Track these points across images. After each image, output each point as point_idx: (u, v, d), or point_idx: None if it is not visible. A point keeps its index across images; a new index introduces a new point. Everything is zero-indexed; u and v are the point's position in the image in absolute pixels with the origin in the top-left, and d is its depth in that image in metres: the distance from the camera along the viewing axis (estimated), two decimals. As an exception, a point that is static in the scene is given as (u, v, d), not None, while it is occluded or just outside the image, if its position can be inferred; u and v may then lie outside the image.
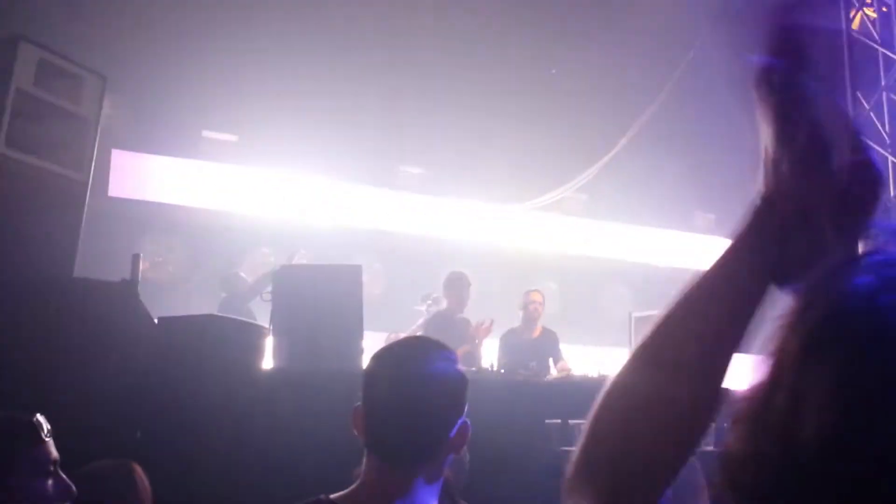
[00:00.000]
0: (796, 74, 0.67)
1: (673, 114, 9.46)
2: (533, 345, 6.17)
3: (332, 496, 1.36)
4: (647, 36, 9.15)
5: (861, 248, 0.66)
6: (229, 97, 8.16)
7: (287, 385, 3.92)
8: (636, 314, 6.37)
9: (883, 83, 8.37)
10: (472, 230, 10.20)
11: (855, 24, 8.60)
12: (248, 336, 4.14)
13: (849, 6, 8.58)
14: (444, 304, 6.28)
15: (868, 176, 0.67)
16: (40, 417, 1.64)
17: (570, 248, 10.75)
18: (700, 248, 11.48)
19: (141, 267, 4.03)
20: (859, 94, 8.40)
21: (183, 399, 3.56)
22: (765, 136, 0.69)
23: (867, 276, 0.54)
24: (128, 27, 7.61)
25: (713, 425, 0.70)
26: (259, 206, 8.90)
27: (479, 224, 10.25)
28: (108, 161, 7.58)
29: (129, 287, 3.85)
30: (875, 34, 8.46)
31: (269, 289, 4.63)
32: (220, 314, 5.34)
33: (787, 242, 0.68)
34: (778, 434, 0.53)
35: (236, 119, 8.60)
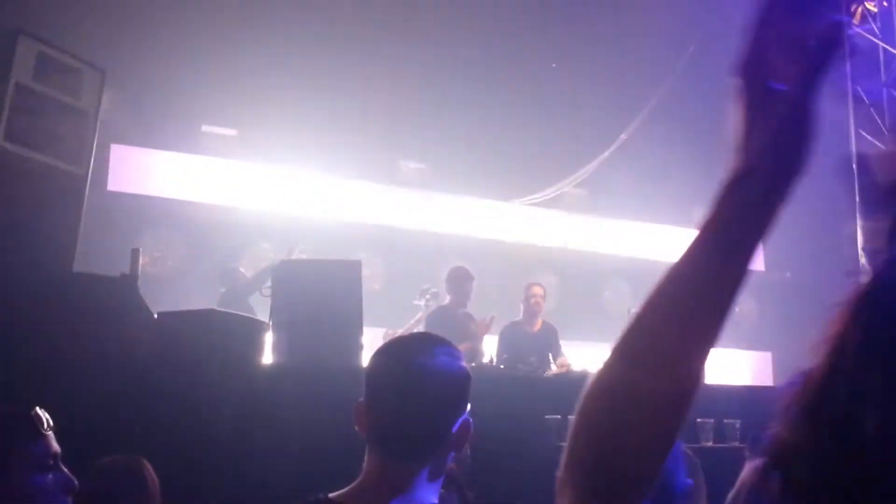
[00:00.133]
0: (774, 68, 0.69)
1: (673, 109, 9.45)
2: (533, 339, 6.17)
3: (331, 495, 1.36)
4: (647, 31, 9.13)
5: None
6: (229, 92, 8.14)
7: (286, 380, 3.92)
8: (635, 310, 6.36)
9: (883, 78, 8.35)
10: (472, 225, 10.20)
11: (856, 19, 8.58)
12: (248, 331, 4.14)
13: (850, 1, 8.56)
14: (447, 300, 6.28)
15: (829, 33, 0.68)
16: (39, 410, 1.63)
17: (569, 243, 10.75)
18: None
19: (140, 261, 4.03)
20: (859, 89, 8.38)
21: (182, 394, 3.56)
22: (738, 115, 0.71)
23: None
24: (127, 21, 7.60)
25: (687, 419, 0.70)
26: (259, 201, 8.89)
27: (478, 219, 10.25)
28: (108, 155, 7.57)
29: (128, 281, 3.85)
30: (876, 29, 8.44)
31: (269, 284, 4.62)
32: (219, 309, 5.34)
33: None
34: (838, 426, 0.52)
35: (236, 113, 8.59)
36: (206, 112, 8.66)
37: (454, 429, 1.38)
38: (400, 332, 5.93)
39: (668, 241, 11.21)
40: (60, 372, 3.31)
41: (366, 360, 2.89)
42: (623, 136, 9.39)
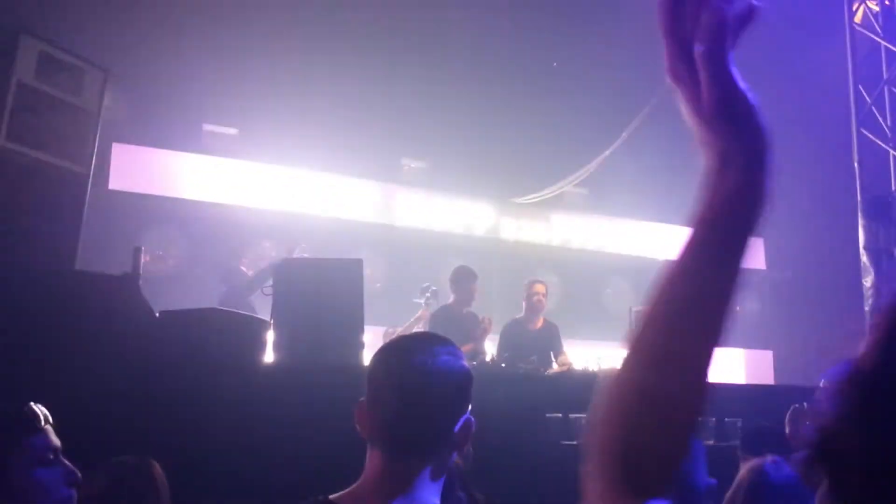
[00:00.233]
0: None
1: (674, 108, 9.42)
2: (535, 336, 6.18)
3: (331, 496, 1.36)
4: (648, 30, 9.10)
5: None
6: (230, 90, 8.15)
7: (288, 379, 3.92)
8: (636, 308, 6.37)
9: (885, 77, 8.35)
10: (473, 224, 10.20)
11: (857, 18, 8.58)
12: (250, 330, 4.14)
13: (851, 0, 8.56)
14: (450, 299, 6.28)
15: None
16: (35, 406, 1.63)
17: (570, 242, 10.75)
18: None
19: (142, 260, 4.03)
20: (861, 88, 8.38)
21: (184, 392, 3.57)
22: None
23: None
24: (129, 20, 7.60)
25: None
26: (260, 200, 8.90)
27: (479, 218, 10.25)
28: (109, 154, 7.58)
29: (130, 280, 3.86)
30: (877, 27, 8.44)
31: (270, 283, 4.63)
32: (221, 307, 5.34)
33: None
34: (891, 420, 0.51)
35: (237, 112, 8.59)
36: (207, 111, 8.67)
37: (456, 428, 1.38)
38: (400, 330, 5.94)
39: (668, 240, 11.22)
40: (62, 371, 3.31)
41: (367, 358, 2.89)
42: (624, 135, 9.38)
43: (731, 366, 9.25)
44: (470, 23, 9.00)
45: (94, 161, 4.36)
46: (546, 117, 9.67)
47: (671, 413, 0.69)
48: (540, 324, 6.31)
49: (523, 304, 6.35)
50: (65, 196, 4.18)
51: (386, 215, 9.70)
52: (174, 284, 7.32)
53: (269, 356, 4.16)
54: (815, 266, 9.38)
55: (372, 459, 1.37)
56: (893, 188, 7.99)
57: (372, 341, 4.17)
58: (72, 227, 4.20)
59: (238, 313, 4.70)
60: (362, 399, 1.40)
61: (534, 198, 10.14)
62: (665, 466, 0.70)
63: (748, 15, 0.71)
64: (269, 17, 8.33)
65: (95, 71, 4.38)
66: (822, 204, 9.04)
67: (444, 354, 1.39)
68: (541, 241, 10.56)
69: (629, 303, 7.01)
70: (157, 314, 3.97)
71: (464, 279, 6.23)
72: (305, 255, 6.42)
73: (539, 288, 6.35)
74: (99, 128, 4.40)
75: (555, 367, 5.83)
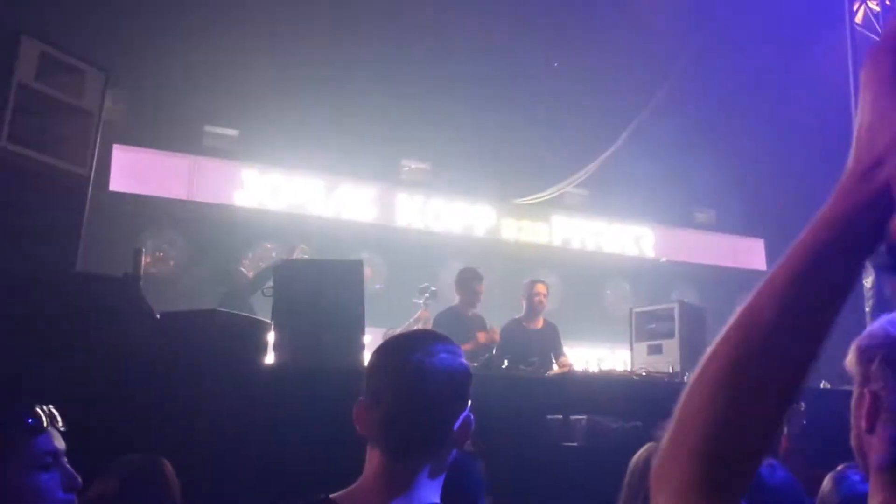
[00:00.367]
0: None
1: (673, 110, 9.45)
2: (535, 336, 6.18)
3: (332, 496, 1.36)
4: (650, 31, 9.13)
5: None
6: (231, 92, 8.16)
7: (288, 380, 3.92)
8: (637, 309, 6.37)
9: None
10: (474, 225, 10.21)
11: (858, 18, 8.58)
12: (251, 331, 4.14)
13: (852, 0, 8.56)
14: (455, 300, 6.28)
15: None
16: (40, 408, 1.61)
17: (570, 243, 10.76)
18: (700, 244, 11.48)
19: (143, 261, 4.04)
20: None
21: (184, 394, 3.57)
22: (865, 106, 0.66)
23: None
24: (130, 22, 7.62)
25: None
26: (260, 201, 8.91)
27: (479, 219, 10.26)
28: (110, 156, 7.59)
29: (131, 281, 3.86)
30: (878, 27, 8.44)
31: (270, 284, 4.63)
32: (221, 309, 5.34)
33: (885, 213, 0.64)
34: None
35: (238, 114, 8.60)
36: (208, 112, 8.68)
37: (455, 426, 1.38)
38: (399, 330, 5.94)
39: (668, 241, 11.22)
40: (62, 372, 3.31)
41: (367, 360, 2.89)
42: (624, 136, 9.39)
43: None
44: (470, 24, 9.01)
45: (94, 162, 4.36)
46: (546, 118, 9.68)
47: (762, 407, 0.67)
48: (540, 324, 6.31)
49: (524, 303, 6.35)
50: (65, 197, 4.18)
51: (386, 216, 9.70)
52: (175, 286, 7.33)
53: (269, 357, 4.17)
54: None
55: (371, 458, 1.37)
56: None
57: (372, 342, 4.17)
58: (73, 228, 4.19)
59: (239, 315, 4.70)
60: (362, 398, 1.40)
61: (534, 199, 10.15)
62: (752, 463, 0.69)
63: None
64: (270, 20, 8.34)
65: (97, 72, 4.38)
66: (823, 204, 9.04)
67: (442, 352, 1.39)
68: (541, 242, 10.56)
69: (629, 304, 7.01)
70: (158, 315, 3.97)
71: (469, 281, 6.22)
72: (305, 257, 6.43)
73: (541, 288, 6.36)
74: (100, 129, 4.40)
75: (555, 368, 5.83)
